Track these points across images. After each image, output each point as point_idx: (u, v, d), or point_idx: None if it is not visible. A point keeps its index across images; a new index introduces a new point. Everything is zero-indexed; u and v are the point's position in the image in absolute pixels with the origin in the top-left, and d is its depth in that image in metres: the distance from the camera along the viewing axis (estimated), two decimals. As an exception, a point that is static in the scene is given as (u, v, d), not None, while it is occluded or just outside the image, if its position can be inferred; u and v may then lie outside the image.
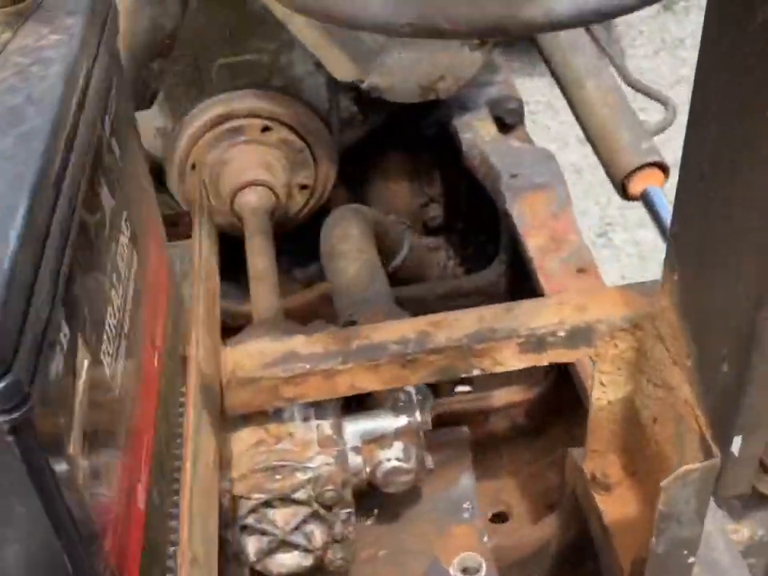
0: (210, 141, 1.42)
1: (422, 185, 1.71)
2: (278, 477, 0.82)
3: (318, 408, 0.86)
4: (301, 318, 1.04)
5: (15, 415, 0.44)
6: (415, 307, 1.10)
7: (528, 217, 1.29)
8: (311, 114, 1.45)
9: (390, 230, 1.47)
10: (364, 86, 1.43)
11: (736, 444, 0.65)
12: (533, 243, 1.23)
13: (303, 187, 1.50)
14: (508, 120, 1.60)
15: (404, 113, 1.52)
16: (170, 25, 1.23)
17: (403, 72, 1.43)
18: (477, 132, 1.54)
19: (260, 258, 1.27)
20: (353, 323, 1.04)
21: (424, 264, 1.58)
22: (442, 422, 1.06)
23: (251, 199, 1.39)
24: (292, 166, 1.46)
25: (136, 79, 1.23)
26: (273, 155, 1.44)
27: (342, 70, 1.30)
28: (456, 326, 0.81)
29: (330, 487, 0.82)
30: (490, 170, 1.42)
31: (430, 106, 1.52)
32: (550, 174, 1.37)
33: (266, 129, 1.42)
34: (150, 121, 1.46)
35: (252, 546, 0.84)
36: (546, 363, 0.81)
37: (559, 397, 1.23)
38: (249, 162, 1.42)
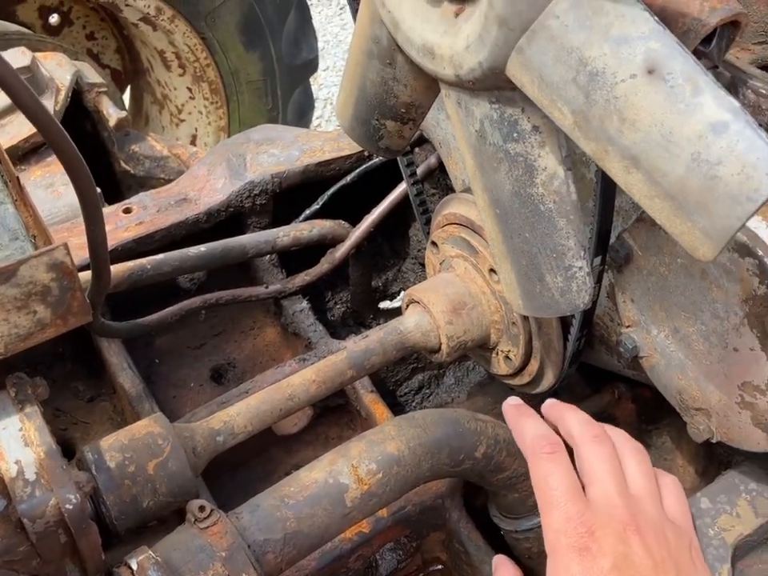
0: (449, 233, 1.14)
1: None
2: None
3: None
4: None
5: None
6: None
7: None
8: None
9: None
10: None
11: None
12: None
13: (507, 357, 1.14)
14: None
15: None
16: (403, 97, 0.95)
17: None
18: None
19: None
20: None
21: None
22: None
23: (409, 319, 1.12)
24: (502, 328, 1.11)
25: (365, 121, 1.02)
26: (484, 300, 1.10)
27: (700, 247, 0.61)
28: None
29: None
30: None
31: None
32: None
33: (493, 271, 1.08)
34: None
35: None
36: None
37: None
38: (450, 283, 1.12)
